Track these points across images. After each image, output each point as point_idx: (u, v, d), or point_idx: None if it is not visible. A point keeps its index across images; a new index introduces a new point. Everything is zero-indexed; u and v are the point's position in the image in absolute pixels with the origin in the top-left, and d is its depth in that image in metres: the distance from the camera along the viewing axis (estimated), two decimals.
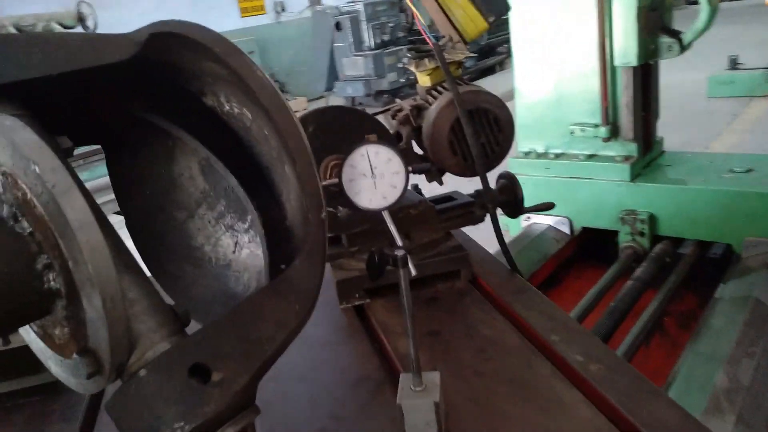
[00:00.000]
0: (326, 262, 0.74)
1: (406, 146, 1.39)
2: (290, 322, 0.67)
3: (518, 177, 1.41)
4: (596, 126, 2.78)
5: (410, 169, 0.90)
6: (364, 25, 9.67)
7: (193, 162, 0.97)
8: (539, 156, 3.05)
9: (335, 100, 10.63)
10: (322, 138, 1.24)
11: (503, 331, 1.17)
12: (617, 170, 2.80)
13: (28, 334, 0.75)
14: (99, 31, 8.73)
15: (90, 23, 6.74)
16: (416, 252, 1.38)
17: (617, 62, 2.66)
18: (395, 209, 1.36)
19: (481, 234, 1.56)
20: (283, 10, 13.16)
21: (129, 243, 0.78)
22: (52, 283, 0.62)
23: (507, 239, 3.74)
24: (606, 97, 2.71)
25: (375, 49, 9.68)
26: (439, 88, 1.38)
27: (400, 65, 9.28)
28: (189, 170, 0.99)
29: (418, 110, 1.38)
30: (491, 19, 1.32)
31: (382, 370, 1.12)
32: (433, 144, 1.34)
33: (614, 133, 2.78)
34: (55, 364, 0.73)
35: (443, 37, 1.41)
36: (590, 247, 3.04)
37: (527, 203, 1.43)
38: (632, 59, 2.61)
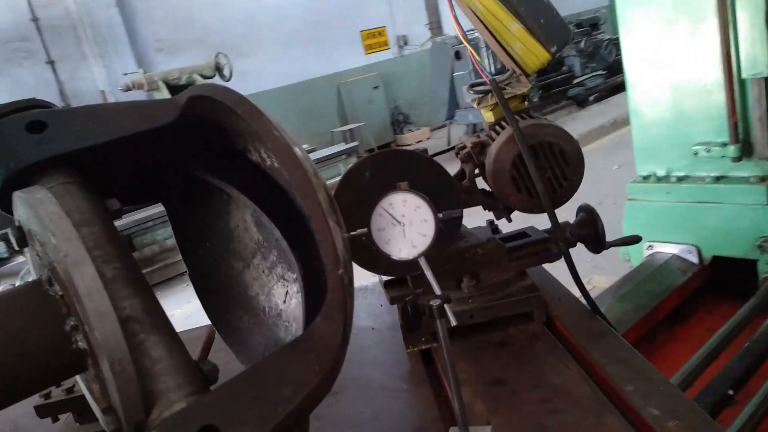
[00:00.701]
0: (350, 316, 0.73)
1: (470, 184, 1.36)
2: (309, 382, 0.66)
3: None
4: (724, 145, 2.53)
5: (441, 216, 0.87)
6: (483, 53, 9.60)
7: (247, 214, 1.01)
8: (660, 180, 2.80)
9: (457, 128, 10.70)
10: (378, 183, 1.24)
11: (574, 380, 1.09)
12: (752, 192, 2.52)
13: (82, 386, 0.80)
14: (235, 78, 9.54)
15: (226, 72, 7.30)
16: (485, 293, 1.33)
17: (745, 74, 2.41)
18: (460, 249, 1.34)
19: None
20: (405, 44, 13.49)
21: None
22: (80, 343, 0.65)
23: (627, 270, 3.56)
24: (734, 112, 2.47)
25: (495, 74, 9.48)
26: (503, 123, 1.33)
27: None
28: (244, 222, 1.02)
29: (481, 146, 1.34)
30: (553, 49, 1.26)
31: (440, 420, 1.08)
32: (496, 181, 1.29)
33: (746, 151, 2.51)
34: (99, 416, 0.77)
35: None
36: (723, 278, 2.74)
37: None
38: (763, 69, 2.36)
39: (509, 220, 1.40)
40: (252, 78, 10.37)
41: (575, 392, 1.06)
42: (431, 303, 0.85)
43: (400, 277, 1.38)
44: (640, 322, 2.45)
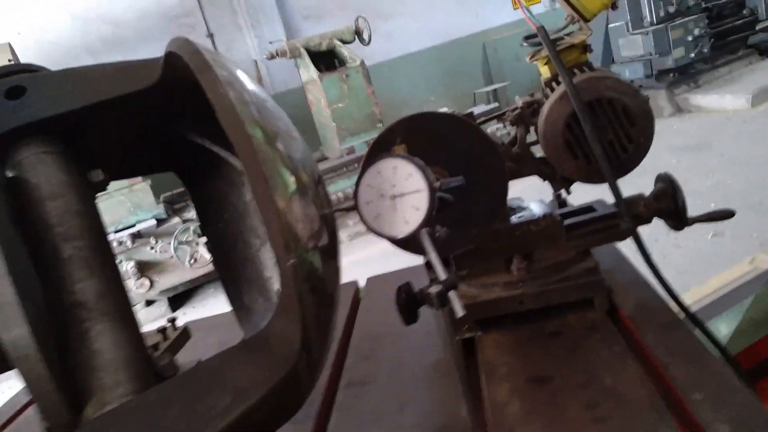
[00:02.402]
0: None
1: (520, 150, 1.20)
2: (253, 393, 0.57)
3: None
4: None
5: (437, 185, 0.74)
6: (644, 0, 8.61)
7: None
8: None
9: None
10: (413, 149, 1.12)
11: (630, 381, 0.93)
12: None
13: None
14: (380, 41, 9.58)
15: (365, 35, 7.39)
16: (538, 276, 1.18)
17: None
18: (510, 226, 1.20)
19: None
20: None
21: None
22: None
23: None
24: None
25: (657, 23, 8.46)
26: (559, 79, 1.16)
27: (690, 38, 8.34)
28: None
29: (536, 106, 1.18)
30: None
31: (470, 419, 0.96)
32: (548, 146, 1.13)
33: None
34: None
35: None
36: None
37: None
38: None
39: (568, 192, 1.23)
40: (396, 40, 10.27)
41: (628, 396, 0.90)
42: (431, 290, 0.73)
43: (444, 257, 1.25)
44: None
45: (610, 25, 9.09)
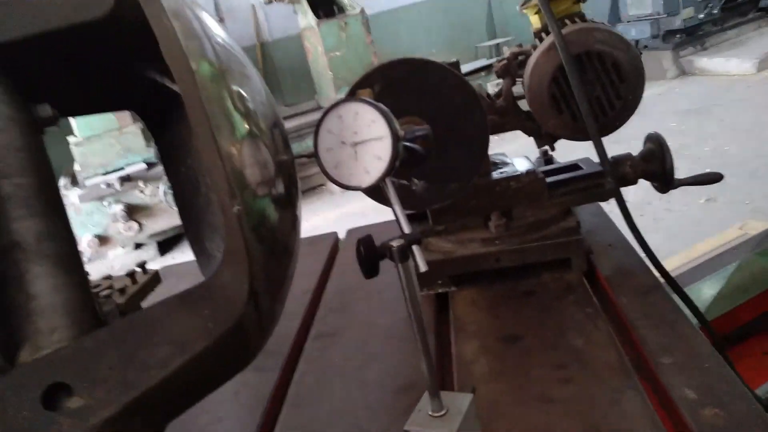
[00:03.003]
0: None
1: (505, 103, 1.16)
2: (195, 344, 0.54)
3: None
4: None
5: (402, 134, 0.70)
6: None
7: None
8: None
9: None
10: (391, 99, 1.07)
11: (600, 344, 0.92)
12: None
13: None
14: None
15: None
16: (516, 234, 1.15)
17: None
18: (490, 182, 1.16)
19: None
20: None
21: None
22: None
23: None
24: None
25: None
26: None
27: None
28: None
29: (520, 57, 1.13)
30: None
31: (435, 377, 0.95)
32: (533, 99, 1.08)
33: None
34: None
35: None
36: None
37: None
38: None
39: (552, 149, 1.19)
40: None
41: (597, 359, 0.88)
42: (392, 243, 0.70)
43: (420, 211, 1.22)
44: None
45: None
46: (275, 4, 7.36)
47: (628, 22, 8.69)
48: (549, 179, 1.18)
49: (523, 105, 1.18)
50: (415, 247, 0.72)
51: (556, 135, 1.13)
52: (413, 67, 1.07)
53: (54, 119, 0.73)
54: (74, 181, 5.92)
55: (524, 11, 1.15)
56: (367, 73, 1.07)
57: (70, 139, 5.79)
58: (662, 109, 6.77)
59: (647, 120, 6.39)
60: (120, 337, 0.54)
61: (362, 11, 6.94)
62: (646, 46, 8.61)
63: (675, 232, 3.84)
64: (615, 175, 1.10)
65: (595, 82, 1.04)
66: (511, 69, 1.13)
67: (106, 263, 5.84)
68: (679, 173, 1.15)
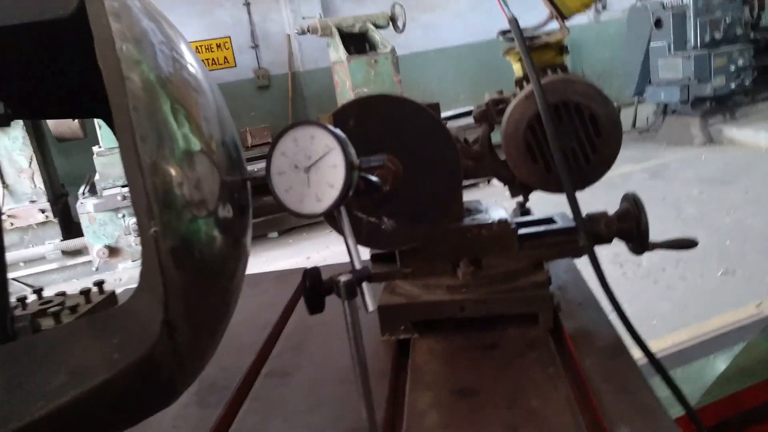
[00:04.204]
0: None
1: (480, 148, 1.11)
2: (95, 373, 0.48)
3: None
4: None
5: (357, 163, 0.66)
6: (690, 22, 8.03)
7: None
8: None
9: (645, 107, 9.38)
10: (364, 135, 1.03)
11: (557, 407, 0.85)
12: None
13: None
14: (419, 31, 9.30)
15: (399, 23, 7.23)
16: (484, 284, 1.09)
17: None
18: (461, 228, 1.11)
19: None
20: (604, 8, 11.91)
21: None
22: None
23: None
24: None
25: (701, 48, 8.03)
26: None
27: (733, 68, 7.88)
28: None
29: (500, 105, 1.09)
30: None
31: (386, 425, 0.88)
32: (508, 146, 1.04)
33: None
34: None
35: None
36: None
37: None
38: None
39: (525, 199, 1.15)
40: (435, 32, 10.14)
41: (552, 422, 0.82)
42: (340, 278, 0.64)
43: (390, 252, 1.16)
44: None
45: (652, 44, 8.61)
46: (309, 36, 7.41)
47: (658, 85, 8.57)
48: (522, 231, 1.13)
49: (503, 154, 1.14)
50: (365, 285, 0.66)
51: (529, 185, 1.08)
52: (391, 104, 1.04)
53: (7, 118, 0.68)
54: (93, 191, 5.93)
55: (507, 58, 1.12)
56: (344, 105, 1.03)
57: (95, 149, 5.81)
58: (686, 176, 6.66)
59: (669, 185, 6.30)
60: (14, 359, 0.48)
61: (393, 50, 6.97)
62: (674, 111, 8.56)
63: (687, 303, 3.69)
64: (589, 232, 1.05)
65: (571, 134, 1.00)
66: (490, 115, 1.10)
67: (116, 275, 5.78)
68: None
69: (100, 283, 1.01)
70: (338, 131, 0.64)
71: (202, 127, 0.57)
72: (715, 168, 6.84)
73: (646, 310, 3.61)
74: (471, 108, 1.19)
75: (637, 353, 0.96)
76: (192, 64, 0.63)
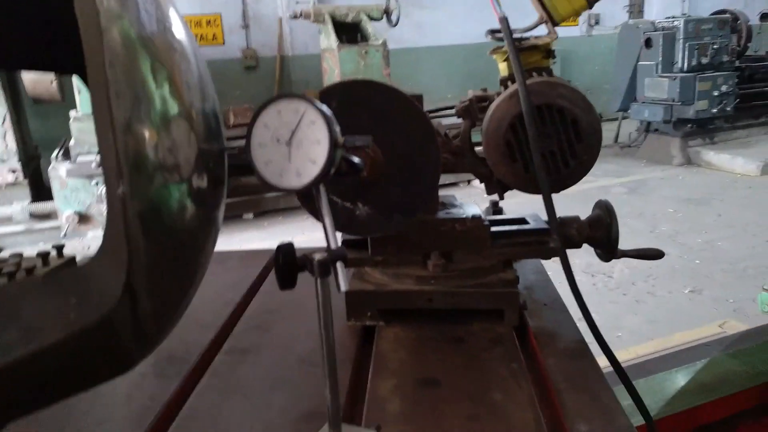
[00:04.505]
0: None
1: (460, 144, 1.11)
2: (48, 333, 0.46)
3: None
4: None
5: (341, 141, 0.64)
6: (679, 44, 8.20)
7: None
8: None
9: (629, 124, 9.51)
10: (346, 117, 1.01)
11: (518, 403, 0.85)
12: None
13: None
14: (411, 27, 9.16)
15: (393, 17, 7.12)
16: (453, 277, 1.09)
17: None
18: (435, 221, 1.10)
19: None
20: (596, 23, 11.99)
21: None
22: None
23: (754, 317, 3.07)
24: None
25: (687, 71, 8.18)
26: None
27: (716, 93, 8.05)
28: None
29: (482, 101, 1.09)
30: None
31: (346, 410, 0.87)
32: (488, 144, 1.04)
33: None
34: None
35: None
36: None
37: None
38: None
39: (501, 198, 1.15)
40: (427, 30, 10.09)
41: (513, 418, 0.82)
42: (314, 256, 0.63)
43: (361, 238, 1.15)
44: (750, 392, 1.88)
45: (641, 63, 8.73)
46: (301, 21, 7.31)
47: (643, 102, 8.70)
48: (494, 228, 1.13)
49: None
50: (339, 265, 0.65)
51: (506, 184, 1.08)
52: (375, 90, 1.02)
53: None
54: (67, 155, 5.77)
55: (494, 57, 1.11)
56: (328, 86, 1.01)
57: (72, 113, 5.65)
58: (663, 194, 6.79)
59: (646, 201, 6.41)
60: None
61: (384, 43, 6.91)
62: (657, 130, 8.71)
63: (655, 317, 3.77)
64: (560, 235, 1.05)
65: (552, 137, 1.00)
66: (472, 111, 1.09)
67: (84, 242, 5.66)
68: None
69: (60, 247, 0.98)
70: (324, 107, 0.63)
71: (182, 92, 0.55)
72: (691, 188, 7.00)
73: (614, 321, 3.68)
74: (454, 105, 1.18)
75: (602, 361, 0.97)
76: (177, 28, 0.61)
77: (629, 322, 3.72)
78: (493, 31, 1.10)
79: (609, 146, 9.22)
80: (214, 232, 0.66)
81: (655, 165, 8.30)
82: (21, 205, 5.99)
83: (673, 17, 8.69)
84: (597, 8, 11.55)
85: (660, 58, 8.42)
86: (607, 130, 10.23)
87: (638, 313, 3.82)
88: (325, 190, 0.68)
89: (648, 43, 8.55)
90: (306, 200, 0.99)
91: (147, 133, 0.48)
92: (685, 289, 4.09)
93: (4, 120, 5.77)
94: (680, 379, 1.89)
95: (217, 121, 0.66)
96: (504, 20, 0.97)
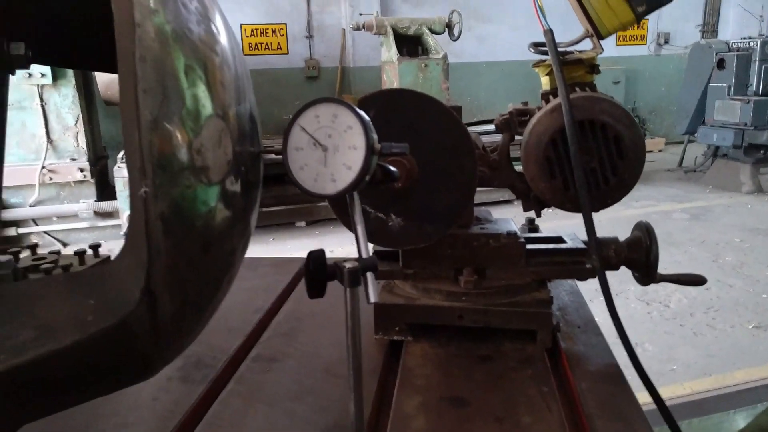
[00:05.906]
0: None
1: (498, 158, 1.06)
2: (64, 334, 0.43)
3: None
4: None
5: (378, 148, 0.61)
6: (755, 66, 7.64)
7: None
8: None
9: (695, 147, 8.88)
10: (383, 127, 0.98)
11: (548, 426, 0.79)
12: None
13: None
14: (472, 41, 9.13)
15: (455, 30, 7.08)
16: (485, 295, 1.04)
17: None
18: (468, 235, 1.06)
19: None
20: (666, 42, 11.45)
21: None
22: None
23: None
24: None
25: (762, 95, 7.60)
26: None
27: None
28: None
29: (523, 115, 1.04)
30: (641, 9, 0.93)
31: (370, 424, 0.83)
32: (527, 159, 0.99)
33: None
34: None
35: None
36: None
37: None
38: None
39: (538, 215, 1.09)
40: (488, 45, 10.00)
41: None
42: (345, 264, 0.59)
43: (392, 249, 1.11)
44: None
45: (711, 84, 8.17)
46: (363, 33, 7.25)
47: (712, 126, 8.15)
48: (530, 246, 1.08)
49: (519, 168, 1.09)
50: (369, 275, 0.61)
51: (544, 200, 1.03)
52: (414, 100, 0.99)
53: (26, 60, 0.64)
54: None
55: (536, 70, 1.07)
56: (369, 94, 0.98)
57: None
58: (729, 222, 6.33)
59: (710, 229, 5.98)
60: None
61: (444, 56, 6.80)
62: (725, 155, 8.13)
63: (714, 352, 3.46)
64: (598, 256, 0.99)
65: (593, 153, 0.94)
66: (512, 124, 1.04)
67: None
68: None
69: (96, 246, 0.97)
70: (362, 113, 0.59)
71: (217, 92, 0.52)
72: (760, 218, 6.47)
73: (668, 353, 3.42)
74: (493, 118, 1.13)
75: (643, 397, 0.89)
76: (218, 27, 0.58)
77: (686, 355, 3.40)
78: (536, 44, 1.05)
79: (673, 170, 8.83)
80: (245, 236, 0.63)
81: (722, 192, 7.73)
82: (87, 203, 6.12)
83: (749, 38, 8.13)
84: (667, 27, 11.30)
85: (733, 80, 7.85)
86: (672, 154, 9.96)
87: (696, 346, 3.52)
88: (359, 198, 0.64)
89: (721, 64, 8.01)
90: (338, 207, 0.96)
91: (175, 132, 0.45)
92: (749, 325, 3.76)
93: (77, 120, 5.92)
94: (739, 421, 1.75)
95: (253, 124, 0.63)
96: (549, 32, 0.92)
